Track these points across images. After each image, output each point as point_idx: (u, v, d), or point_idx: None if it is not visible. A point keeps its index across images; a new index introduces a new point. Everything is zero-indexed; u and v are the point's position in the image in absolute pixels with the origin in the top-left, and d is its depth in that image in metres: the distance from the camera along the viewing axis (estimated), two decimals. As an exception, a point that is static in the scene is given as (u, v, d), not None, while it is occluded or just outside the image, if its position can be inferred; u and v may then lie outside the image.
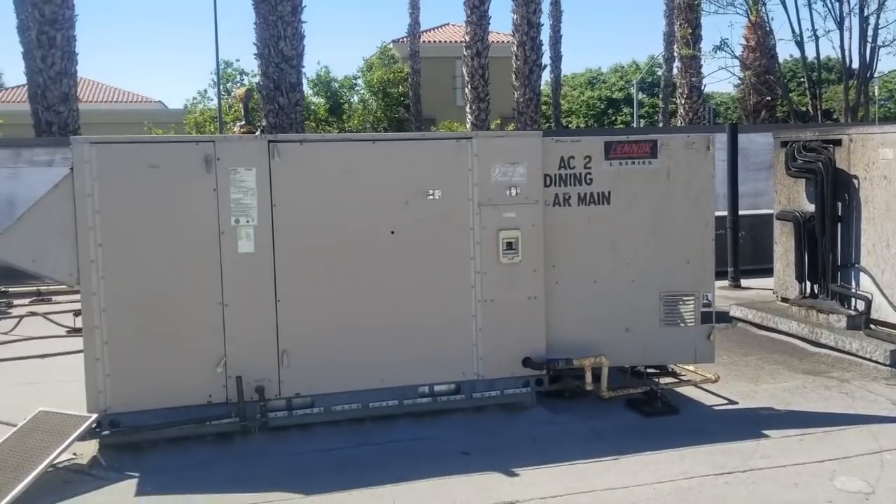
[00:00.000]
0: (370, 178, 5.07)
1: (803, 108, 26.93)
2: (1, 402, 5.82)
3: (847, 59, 21.33)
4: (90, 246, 4.68)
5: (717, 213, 6.66)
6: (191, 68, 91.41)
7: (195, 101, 37.09)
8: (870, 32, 20.70)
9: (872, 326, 6.76)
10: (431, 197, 5.11)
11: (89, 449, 4.81)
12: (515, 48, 22.53)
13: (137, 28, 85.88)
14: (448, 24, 39.69)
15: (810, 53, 40.24)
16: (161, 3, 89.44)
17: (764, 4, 25.09)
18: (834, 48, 33.00)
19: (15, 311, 9.45)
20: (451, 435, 5.02)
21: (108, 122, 28.53)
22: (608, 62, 76.05)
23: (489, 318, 5.23)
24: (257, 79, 20.14)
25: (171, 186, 4.81)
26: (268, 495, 4.24)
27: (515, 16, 22.54)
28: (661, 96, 33.90)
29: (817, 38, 21.68)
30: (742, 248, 10.16)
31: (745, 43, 25.35)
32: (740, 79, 25.62)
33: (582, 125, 44.38)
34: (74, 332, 8.26)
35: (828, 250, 7.14)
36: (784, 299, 7.81)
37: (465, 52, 22.63)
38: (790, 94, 28.50)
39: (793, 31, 26.39)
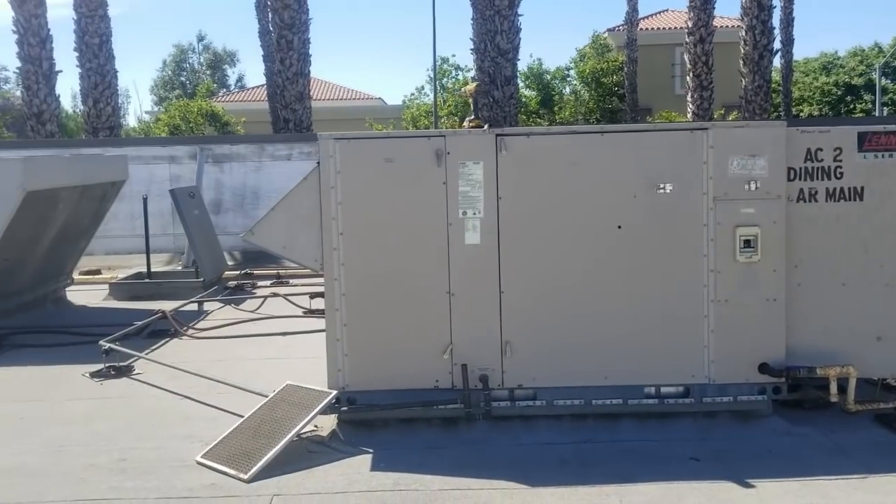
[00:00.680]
0: (597, 171, 4.98)
1: None
2: (251, 373, 6.41)
3: None
4: (333, 235, 5.01)
5: None
6: (408, 65, 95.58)
7: (412, 97, 38.79)
8: None
9: None
10: (662, 190, 4.93)
11: (328, 422, 5.17)
12: (744, 32, 21.22)
13: (358, 28, 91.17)
14: (666, 11, 38.27)
15: None
16: (381, 2, 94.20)
17: None
18: None
19: (258, 292, 10.38)
20: (678, 439, 4.83)
21: (333, 119, 30.53)
22: (846, 45, 69.57)
23: (723, 319, 4.96)
24: (472, 73, 20.63)
25: (404, 179, 5.02)
26: (494, 482, 4.31)
27: (745, -2, 21.25)
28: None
29: None
30: None
31: None
32: None
33: (815, 114, 40.94)
34: (310, 313, 8.94)
35: None
36: None
37: (686, 39, 21.66)
38: None
39: None
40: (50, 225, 8.55)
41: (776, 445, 4.71)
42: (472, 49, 19.99)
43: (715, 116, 23.18)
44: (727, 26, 30.18)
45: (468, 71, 34.32)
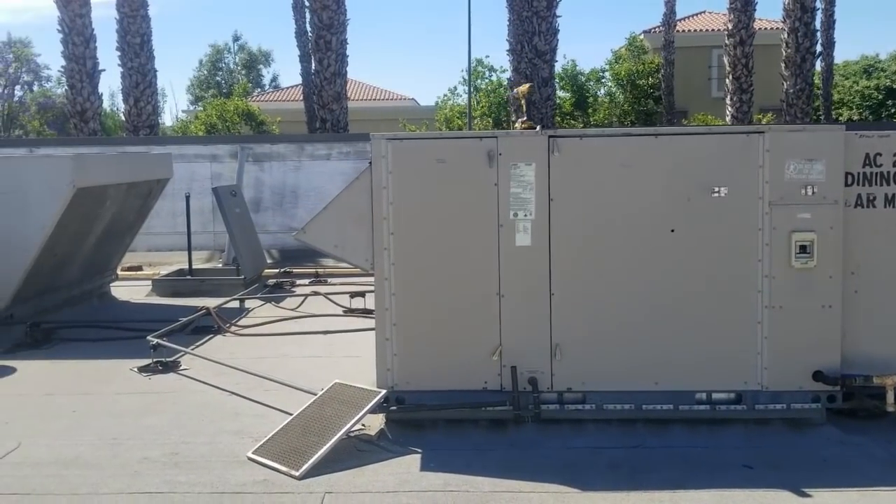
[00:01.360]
0: (650, 174, 4.95)
1: None
2: (296, 370, 6.47)
3: None
4: (384, 234, 5.03)
5: None
6: (441, 66, 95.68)
7: (446, 98, 38.77)
8: None
9: None
10: (716, 194, 4.88)
11: (376, 422, 5.19)
12: (786, 35, 20.93)
13: (390, 28, 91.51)
14: (704, 12, 37.88)
15: None
16: (414, 3, 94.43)
17: None
18: None
19: (298, 290, 10.46)
20: (730, 446, 4.77)
21: (367, 119, 30.70)
22: (888, 48, 68.12)
23: (776, 325, 4.90)
24: (507, 74, 20.60)
25: (455, 180, 5.02)
26: (545, 486, 4.30)
27: (787, 0, 20.94)
28: (955, 84, 29.76)
29: None
30: None
31: None
32: None
33: (855, 118, 40.26)
34: (350, 312, 8.99)
35: None
36: None
37: (726, 41, 21.39)
38: None
39: None
40: (98, 221, 8.70)
41: (831, 455, 4.64)
42: (507, 50, 19.94)
43: (756, 120, 22.89)
44: (765, 28, 29.79)
45: (502, 72, 34.26)
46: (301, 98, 31.99)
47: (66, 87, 18.94)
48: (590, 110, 33.71)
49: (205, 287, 10.41)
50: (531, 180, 4.97)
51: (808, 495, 4.10)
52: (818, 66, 28.05)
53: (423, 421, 5.14)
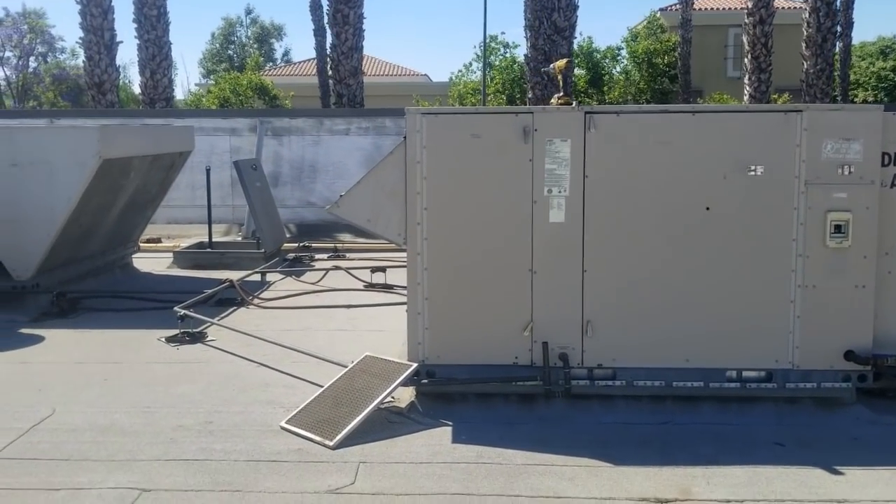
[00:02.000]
0: (686, 152, 4.93)
1: None
2: (321, 343, 6.52)
3: None
4: (417, 209, 5.04)
5: None
6: (454, 42, 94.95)
7: (460, 75, 38.56)
8: None
9: None
10: (753, 173, 4.86)
11: (406, 394, 5.23)
12: (807, 14, 20.68)
13: (404, 3, 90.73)
14: (721, -9, 37.41)
15: None
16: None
17: None
18: None
19: (317, 265, 10.50)
20: (760, 424, 4.80)
21: (380, 95, 30.56)
22: (904, 28, 67.21)
23: (809, 304, 4.90)
24: (521, 49, 20.44)
25: (490, 156, 5.01)
26: (576, 459, 4.34)
27: (808, -21, 20.69)
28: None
29: None
30: None
31: None
32: None
33: (870, 99, 39.86)
34: (371, 287, 9.03)
35: None
36: None
37: (746, 20, 21.16)
38: None
39: None
40: (121, 193, 8.73)
41: (862, 434, 4.66)
42: (525, 26, 19.78)
43: (780, 100, 22.69)
44: (783, 7, 29.45)
45: (515, 47, 34.04)
46: (314, 72, 31.89)
47: (83, 59, 18.92)
48: (605, 88, 33.49)
49: (225, 260, 10.46)
50: (566, 156, 4.96)
51: (841, 473, 4.13)
52: (837, 46, 27.74)
53: (453, 394, 5.18)
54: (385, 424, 4.84)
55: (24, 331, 7.15)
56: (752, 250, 4.92)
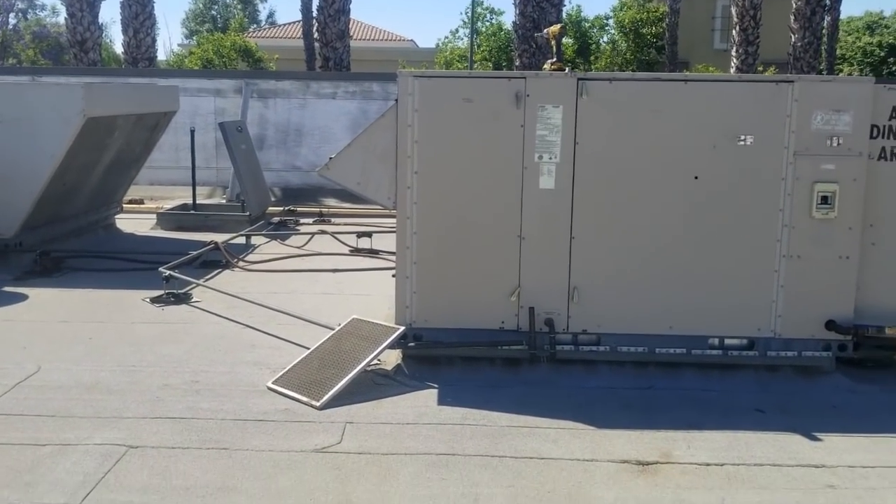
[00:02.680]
0: (677, 120, 4.94)
1: None
2: (307, 306, 6.52)
3: None
4: (408, 173, 5.03)
5: None
6: (441, 7, 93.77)
7: (446, 41, 38.24)
8: None
9: None
10: (742, 143, 4.88)
11: (392, 357, 5.27)
12: (796, -13, 20.60)
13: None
14: (712, -39, 37.12)
15: None
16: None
17: None
18: None
19: (303, 229, 10.46)
20: (741, 390, 4.88)
21: (366, 59, 30.22)
22: (893, 5, 67.36)
23: (793, 274, 4.96)
24: (508, 16, 20.25)
25: (481, 120, 4.99)
26: (560, 422, 4.40)
27: (798, -49, 20.58)
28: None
29: None
30: None
31: None
32: None
33: (856, 73, 39.96)
34: (356, 251, 9.02)
35: None
36: None
37: (735, -9, 21.06)
38: None
39: None
40: (105, 152, 8.63)
41: (841, 402, 4.75)
42: (514, -8, 19.55)
43: (768, 73, 22.68)
44: (774, -20, 29.35)
45: (500, 13, 33.72)
46: (300, 35, 31.42)
47: (65, 16, 18.51)
48: (592, 58, 33.34)
49: (209, 222, 10.39)
50: (558, 123, 4.95)
51: (819, 439, 4.22)
52: (825, 20, 27.68)
53: (440, 358, 5.22)
54: (371, 386, 4.88)
55: (8, 289, 7.10)
56: (738, 220, 4.97)
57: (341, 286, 7.52)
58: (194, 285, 7.04)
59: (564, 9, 22.01)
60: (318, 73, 18.21)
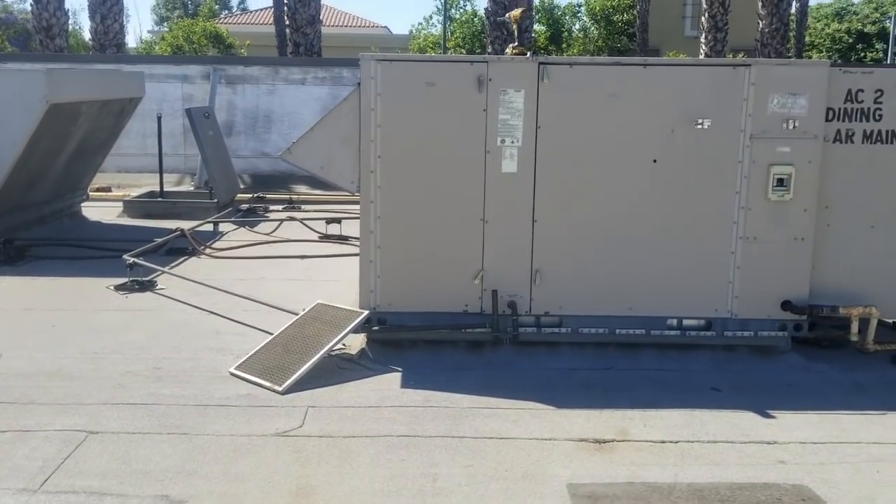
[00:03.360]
0: (637, 104, 4.99)
1: None
2: (273, 292, 6.50)
3: None
4: (371, 157, 5.03)
5: None
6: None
7: (420, 27, 38.10)
8: None
9: None
10: (700, 126, 4.95)
11: (357, 341, 5.29)
12: (763, -27, 20.78)
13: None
14: (683, -52, 37.26)
15: None
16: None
17: None
18: None
19: (272, 216, 10.42)
20: (699, 370, 4.97)
21: (339, 45, 30.01)
22: (861, -9, 67.98)
23: (749, 255, 5.05)
24: (479, 3, 20.23)
25: (444, 104, 5.01)
26: (521, 403, 4.46)
27: (766, -63, 20.74)
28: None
29: None
30: None
31: None
32: None
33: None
34: (326, 238, 9.01)
35: None
36: None
37: (704, -22, 21.18)
38: None
39: None
40: (70, 139, 8.52)
41: (795, 380, 4.86)
42: (486, -21, 19.53)
43: (729, 57, 22.84)
44: (744, -33, 29.57)
45: (474, 1, 33.62)
46: (272, 21, 31.11)
47: (30, 2, 18.19)
48: (564, 45, 33.41)
49: (177, 209, 10.31)
50: (520, 107, 4.99)
51: (772, 416, 4.32)
52: (793, 7, 27.94)
53: (404, 342, 5.25)
54: (335, 371, 4.90)
55: (-31, 277, 7.02)
56: (696, 202, 5.04)
57: (309, 272, 7.51)
58: (159, 272, 7.00)
59: (536, -5, 22.05)
60: (287, 58, 18.09)
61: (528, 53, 5.10)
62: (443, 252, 5.12)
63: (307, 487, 3.55)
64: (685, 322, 5.18)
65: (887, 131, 4.95)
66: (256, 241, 8.84)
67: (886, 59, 36.88)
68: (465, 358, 5.14)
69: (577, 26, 35.31)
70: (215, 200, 10.41)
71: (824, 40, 43.28)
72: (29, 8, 19.36)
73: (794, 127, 4.92)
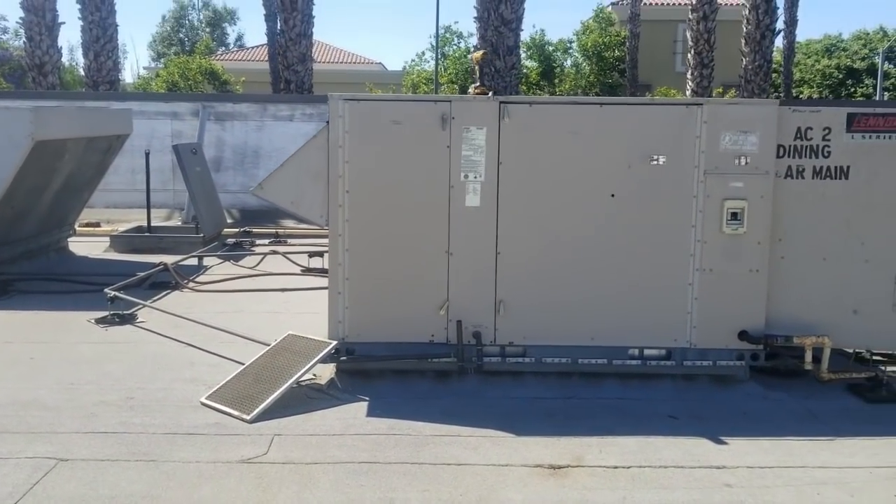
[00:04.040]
0: (595, 141, 5.18)
1: None
2: (252, 325, 6.64)
3: None
4: (339, 192, 5.21)
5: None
6: (410, 30, 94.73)
7: (413, 64, 38.69)
8: None
9: None
10: (655, 162, 5.14)
11: (326, 371, 5.42)
12: (747, 11, 21.27)
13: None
14: (671, -14, 38.04)
15: None
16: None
17: None
18: None
19: (258, 250, 10.58)
20: (658, 399, 5.10)
21: (333, 82, 30.38)
22: (850, 28, 69.11)
23: (706, 287, 5.21)
24: (474, 40, 20.65)
25: (409, 142, 5.20)
26: (483, 431, 4.57)
27: (748, -24, 21.26)
28: (911, 66, 30.51)
29: None
30: None
31: None
32: None
33: (815, 96, 41.02)
34: (308, 271, 9.16)
35: None
36: None
37: (690, 16, 21.68)
38: None
39: None
40: (56, 175, 8.71)
41: (751, 409, 4.98)
42: (475, 17, 19.98)
43: (727, 96, 23.29)
44: (729, 4, 30.18)
45: (470, 37, 34.26)
46: (266, 58, 31.64)
47: (24, 40, 18.55)
48: (556, 80, 33.94)
49: (163, 244, 10.48)
50: (482, 144, 5.18)
51: (725, 443, 4.44)
52: (780, 43, 28.51)
53: (372, 371, 5.38)
54: (303, 400, 5.02)
55: (-48, 311, 7.14)
56: (653, 235, 5.21)
57: (288, 305, 7.65)
58: (140, 306, 7.14)
59: (528, 32, 22.48)
60: (275, 95, 18.44)
61: (490, 93, 5.31)
62: (409, 283, 5.28)
63: (265, 512, 3.66)
64: (646, 352, 5.32)
65: (836, 167, 5.15)
66: (239, 275, 8.99)
67: (876, 95, 37.41)
68: (432, 387, 5.26)
69: (569, 62, 35.91)
70: (201, 235, 10.58)
71: (815, 76, 43.94)
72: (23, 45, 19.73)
73: (746, 163, 5.11)
